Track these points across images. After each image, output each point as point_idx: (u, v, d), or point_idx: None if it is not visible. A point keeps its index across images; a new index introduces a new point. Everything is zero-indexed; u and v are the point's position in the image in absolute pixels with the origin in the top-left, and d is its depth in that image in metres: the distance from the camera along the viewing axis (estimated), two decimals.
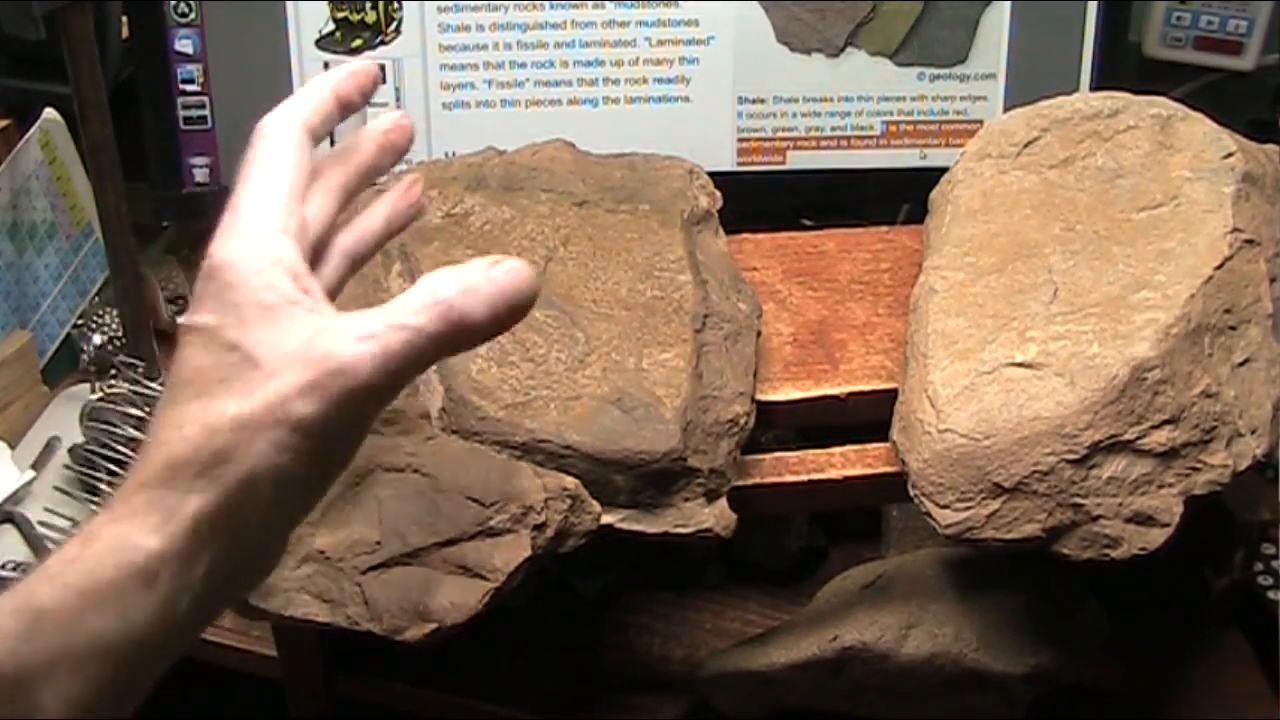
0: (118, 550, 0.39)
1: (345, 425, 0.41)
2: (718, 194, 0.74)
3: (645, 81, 0.86)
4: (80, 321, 0.97)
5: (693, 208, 0.71)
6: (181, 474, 0.39)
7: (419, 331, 0.40)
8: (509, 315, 0.41)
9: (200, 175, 0.86)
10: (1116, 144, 0.69)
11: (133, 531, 0.39)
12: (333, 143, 0.51)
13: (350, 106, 0.50)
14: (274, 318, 0.41)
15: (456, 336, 0.41)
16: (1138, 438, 0.57)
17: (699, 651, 0.74)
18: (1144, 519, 0.57)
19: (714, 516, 0.61)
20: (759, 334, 0.68)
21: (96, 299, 0.99)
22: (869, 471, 0.64)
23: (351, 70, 0.50)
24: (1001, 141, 0.72)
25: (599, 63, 0.86)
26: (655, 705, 0.72)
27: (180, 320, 0.44)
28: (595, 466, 0.59)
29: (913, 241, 0.77)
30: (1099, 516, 0.57)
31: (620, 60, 0.86)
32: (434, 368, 0.62)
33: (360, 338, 0.40)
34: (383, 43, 0.85)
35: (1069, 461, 0.57)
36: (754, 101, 0.87)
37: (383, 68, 0.84)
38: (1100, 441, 0.57)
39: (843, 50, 0.87)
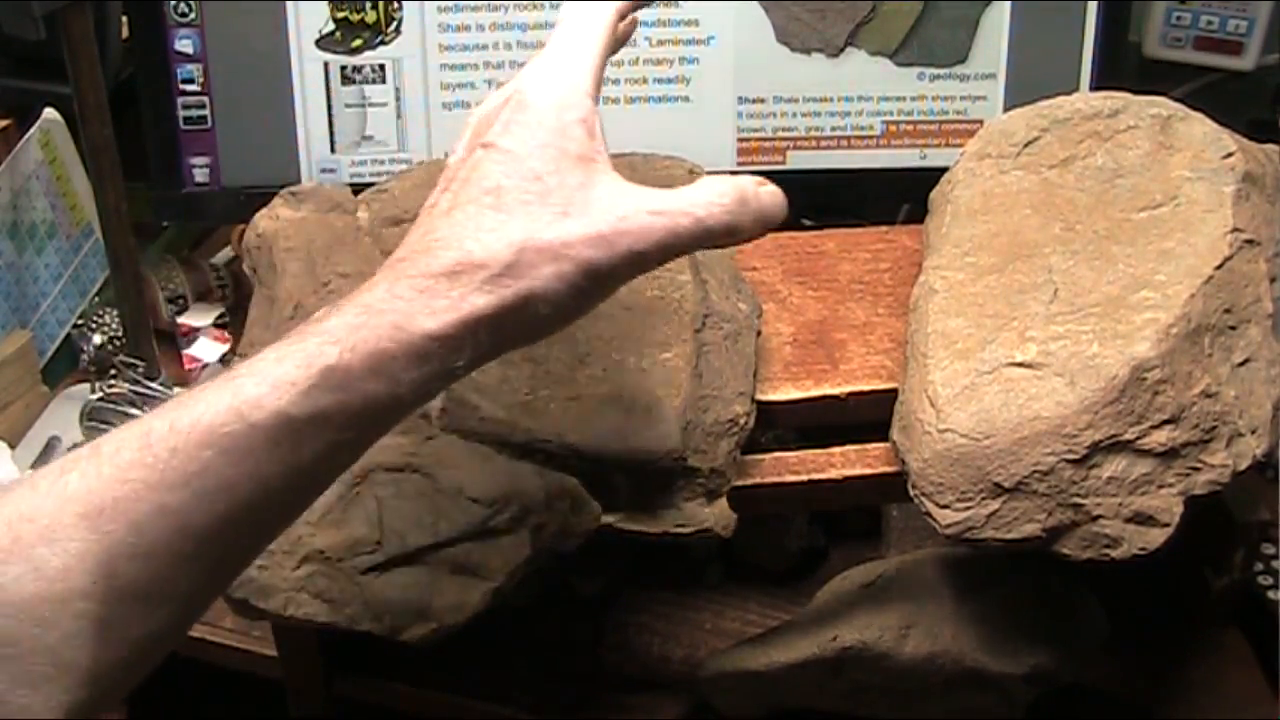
0: (399, 328, 0.43)
1: (613, 281, 0.46)
2: None
3: (645, 81, 0.86)
4: (80, 321, 0.97)
5: None
6: (473, 275, 0.44)
7: (700, 223, 0.46)
8: (765, 230, 0.48)
9: (200, 175, 0.86)
10: (1116, 144, 0.69)
11: (416, 312, 0.43)
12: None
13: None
14: (577, 165, 0.47)
15: (725, 236, 0.47)
16: (1138, 438, 0.57)
17: (699, 651, 0.74)
18: (1144, 519, 0.57)
19: (714, 516, 0.61)
20: (759, 334, 0.68)
21: (96, 299, 0.99)
22: (869, 471, 0.64)
23: None
24: (1001, 141, 0.72)
25: None
26: (655, 705, 0.72)
27: (481, 138, 0.48)
28: (595, 466, 0.59)
29: (913, 241, 0.77)
30: (1099, 516, 0.57)
31: (620, 60, 0.86)
32: None
33: (654, 211, 0.46)
34: (383, 43, 0.85)
35: (1069, 461, 0.57)
36: (754, 101, 0.87)
37: (382, 67, 0.85)
38: (1100, 441, 0.57)
39: (843, 50, 0.87)
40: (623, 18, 0.53)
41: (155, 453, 0.41)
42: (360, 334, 0.43)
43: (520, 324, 0.45)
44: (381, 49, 0.85)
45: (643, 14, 0.85)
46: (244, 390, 0.42)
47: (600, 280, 0.46)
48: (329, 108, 0.85)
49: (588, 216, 0.46)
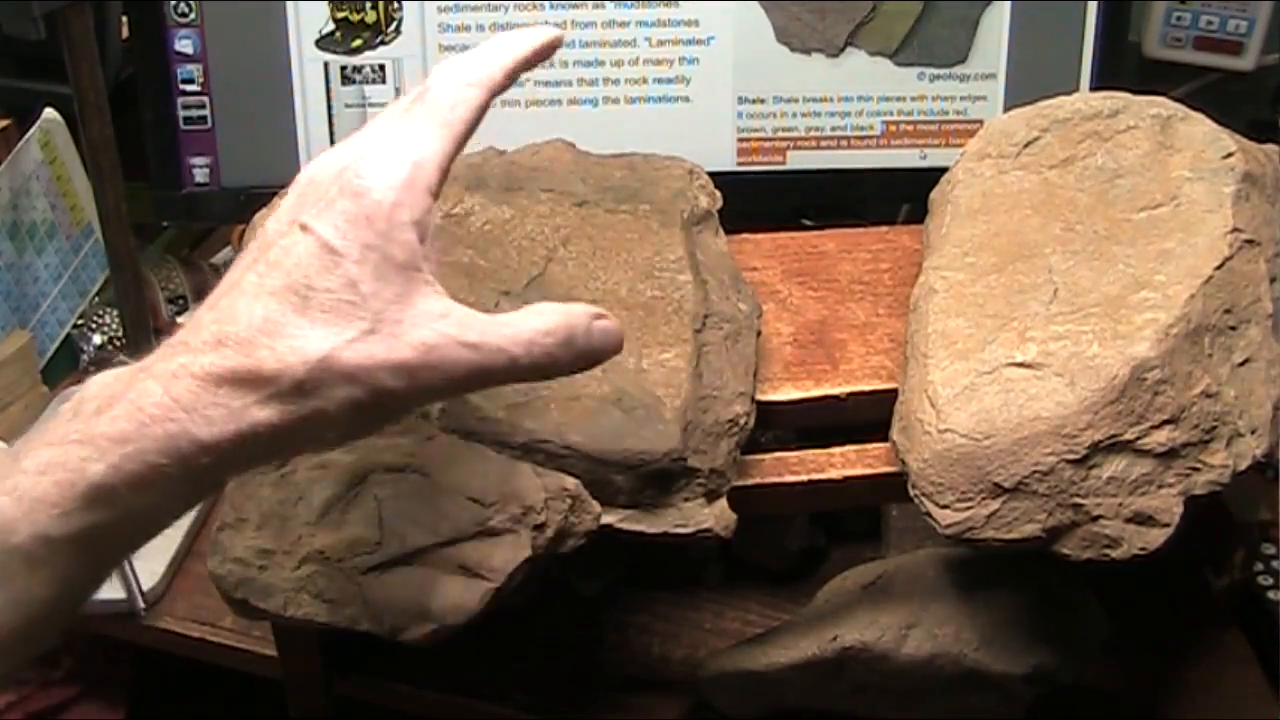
0: (172, 439, 0.40)
1: (409, 409, 0.44)
2: (718, 194, 0.74)
3: (645, 81, 0.86)
4: (80, 321, 0.97)
5: (693, 208, 0.71)
6: (260, 387, 0.41)
7: (515, 362, 0.43)
8: (588, 368, 0.46)
9: (200, 175, 0.86)
10: (1116, 144, 0.69)
11: (192, 423, 0.40)
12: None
13: (521, 73, 0.50)
14: (398, 276, 0.42)
15: (542, 376, 0.45)
16: (1138, 438, 0.57)
17: (699, 651, 0.74)
18: (1144, 519, 0.57)
19: (714, 516, 0.61)
20: (759, 334, 0.68)
21: (96, 299, 0.99)
22: (869, 471, 0.64)
23: (544, 39, 0.50)
24: (1001, 141, 0.72)
25: (599, 63, 0.86)
26: (655, 705, 0.72)
27: (304, 219, 0.43)
28: (595, 466, 0.59)
29: (913, 241, 0.77)
30: (1099, 516, 0.57)
31: (620, 60, 0.86)
32: None
33: (466, 344, 0.42)
34: (383, 43, 0.85)
35: (1069, 461, 0.57)
36: (754, 101, 0.87)
37: (382, 67, 0.85)
38: (1100, 441, 0.57)
39: (843, 50, 0.87)
40: (496, 93, 0.48)
41: None
42: (127, 449, 0.40)
43: (302, 440, 0.42)
44: (381, 49, 0.85)
45: (643, 14, 0.85)
46: (2, 512, 0.39)
47: (394, 409, 0.43)
48: (329, 108, 0.85)
49: (394, 339, 0.42)
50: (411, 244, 0.43)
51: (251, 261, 0.43)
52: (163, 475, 0.40)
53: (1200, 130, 0.68)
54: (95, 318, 0.96)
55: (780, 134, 0.88)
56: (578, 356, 0.45)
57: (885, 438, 0.64)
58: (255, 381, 0.40)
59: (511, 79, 0.49)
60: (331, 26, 0.84)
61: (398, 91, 0.85)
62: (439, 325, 0.42)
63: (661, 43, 0.86)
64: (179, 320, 0.97)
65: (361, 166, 0.43)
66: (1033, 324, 0.61)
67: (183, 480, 0.41)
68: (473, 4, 0.84)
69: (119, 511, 0.40)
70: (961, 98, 0.88)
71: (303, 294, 0.41)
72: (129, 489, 0.40)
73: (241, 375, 0.40)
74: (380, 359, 0.41)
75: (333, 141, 0.86)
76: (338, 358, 0.41)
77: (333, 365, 0.41)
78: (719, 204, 0.73)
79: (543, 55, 0.50)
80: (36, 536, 0.39)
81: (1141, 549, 0.57)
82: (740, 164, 0.88)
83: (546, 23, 0.84)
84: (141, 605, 0.75)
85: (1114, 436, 0.57)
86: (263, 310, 0.41)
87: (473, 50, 0.48)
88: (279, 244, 0.43)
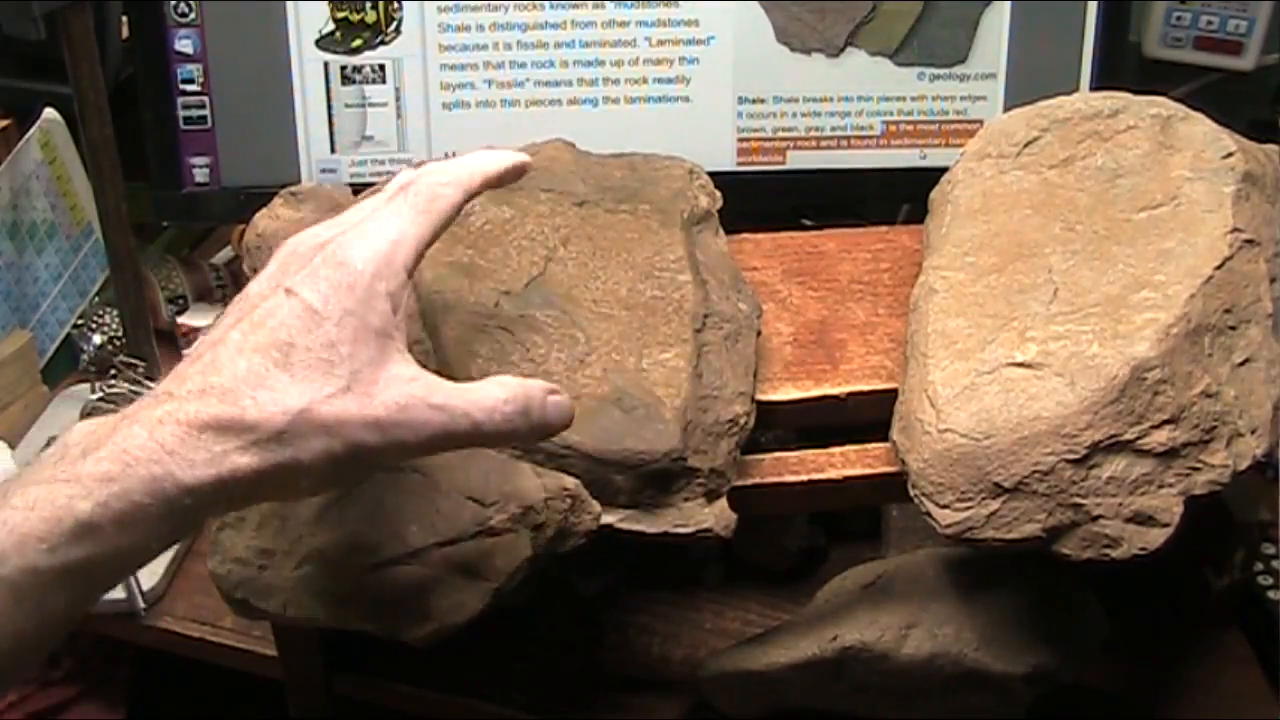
0: (155, 481, 0.42)
1: (378, 464, 0.46)
2: (718, 194, 0.74)
3: (645, 81, 0.86)
4: (80, 321, 0.97)
5: (693, 208, 0.71)
6: (241, 435, 0.43)
7: (477, 427, 0.47)
8: (543, 439, 0.51)
9: (200, 175, 0.86)
10: (1116, 144, 0.69)
11: (174, 466, 0.42)
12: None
13: (492, 188, 0.55)
14: (374, 340, 0.46)
15: (500, 441, 0.49)
16: (1138, 438, 0.57)
17: (699, 651, 0.74)
18: (1144, 519, 0.57)
19: (714, 516, 0.61)
20: (759, 334, 0.68)
21: (96, 299, 0.99)
22: (869, 471, 0.64)
23: (515, 162, 0.55)
24: (1001, 141, 0.72)
25: (599, 63, 0.86)
26: (655, 705, 0.72)
27: (287, 279, 0.47)
28: (595, 466, 0.59)
29: (913, 241, 0.77)
30: (1099, 516, 0.57)
31: (620, 60, 0.86)
32: (434, 368, 0.62)
33: (434, 405, 0.46)
34: (383, 43, 0.85)
35: (1069, 461, 0.57)
36: (754, 101, 0.87)
37: (382, 67, 0.85)
38: (1100, 441, 0.57)
39: (843, 50, 0.87)
40: (469, 198, 0.53)
41: None
42: (113, 488, 0.42)
43: (278, 487, 0.45)
44: (381, 49, 0.85)
45: (643, 14, 0.85)
46: None
47: (365, 462, 0.46)
48: (329, 108, 0.85)
49: (369, 398, 0.45)
50: (387, 313, 0.46)
51: (234, 321, 0.46)
52: (145, 514, 0.42)
53: (1200, 130, 0.68)
54: (95, 318, 0.96)
55: (780, 134, 0.88)
56: (533, 427, 0.49)
57: (885, 438, 0.64)
58: (237, 429, 0.43)
59: (485, 188, 0.54)
60: (331, 26, 0.84)
61: (398, 91, 0.85)
62: (409, 388, 0.46)
63: (661, 43, 0.86)
64: (179, 320, 0.97)
65: (345, 240, 0.48)
66: (1033, 324, 0.61)
67: (164, 520, 0.43)
68: (473, 4, 0.84)
69: (103, 548, 0.42)
70: (961, 98, 0.88)
71: (285, 350, 0.44)
72: (114, 526, 0.42)
73: (225, 422, 0.43)
74: (355, 414, 0.44)
75: (332, 142, 0.86)
76: (316, 411, 0.44)
77: (312, 417, 0.44)
78: (719, 204, 0.73)
79: (514, 176, 0.55)
80: (24, 569, 0.41)
81: (1141, 549, 0.57)
82: (740, 164, 0.88)
83: (546, 23, 0.85)
84: (141, 605, 0.75)
85: (1114, 436, 0.57)
86: (246, 363, 0.44)
87: (455, 159, 0.54)
88: (263, 306, 0.46)
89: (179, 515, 0.43)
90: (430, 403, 0.46)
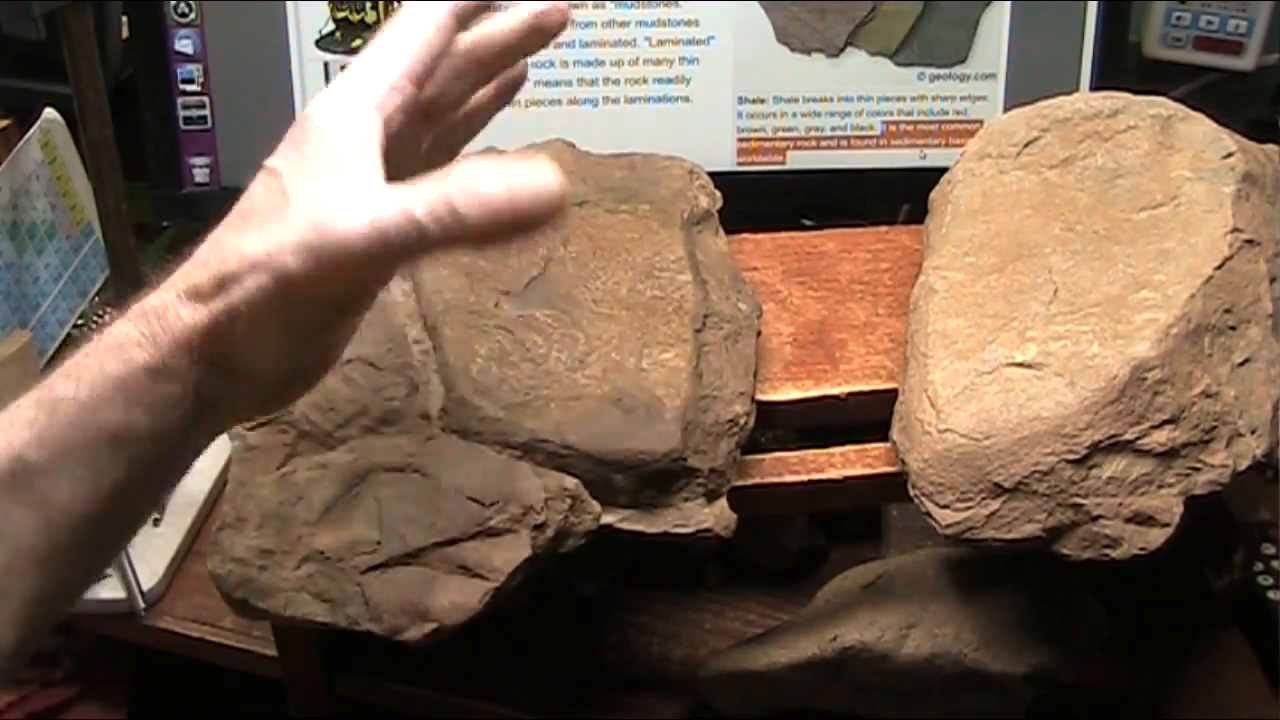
0: (120, 351, 0.42)
1: (330, 287, 0.42)
2: (718, 194, 0.74)
3: (645, 81, 0.86)
4: (80, 321, 0.97)
5: (693, 208, 0.71)
6: (187, 299, 0.43)
7: (416, 224, 0.40)
8: (514, 230, 0.40)
9: (200, 175, 0.86)
10: (1116, 144, 0.69)
11: (132, 342, 0.42)
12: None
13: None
14: (325, 178, 0.43)
15: (453, 238, 0.40)
16: (1138, 438, 0.57)
17: (699, 651, 0.74)
18: (1144, 519, 0.57)
19: (714, 516, 0.61)
20: (759, 334, 0.68)
21: (96, 299, 0.99)
22: (869, 471, 0.64)
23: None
24: (1001, 141, 0.72)
25: (599, 63, 0.86)
26: (655, 705, 0.72)
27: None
28: (595, 466, 0.59)
29: (913, 241, 0.77)
30: (1099, 516, 0.57)
31: (620, 60, 0.86)
32: (434, 368, 0.62)
33: (362, 210, 0.41)
34: None
35: (1069, 461, 0.57)
36: (754, 101, 0.87)
37: None
38: (1100, 441, 0.57)
39: (843, 50, 0.87)
40: (464, 20, 0.48)
41: None
42: (87, 362, 0.42)
43: (236, 339, 0.43)
44: None
45: (643, 14, 0.85)
46: None
47: (298, 292, 0.41)
48: None
49: (299, 223, 0.41)
50: (344, 154, 0.43)
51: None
52: (115, 391, 0.42)
53: (1200, 130, 0.68)
54: (95, 318, 0.96)
55: (780, 134, 0.88)
56: (488, 217, 0.39)
57: (885, 438, 0.64)
58: (186, 294, 0.43)
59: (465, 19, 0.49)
60: (331, 26, 0.84)
61: None
62: (336, 202, 0.41)
63: (661, 43, 0.86)
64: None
65: (311, 106, 0.45)
66: (1033, 324, 0.61)
67: (133, 401, 0.42)
68: None
69: (86, 431, 0.42)
70: (961, 98, 0.88)
71: (246, 215, 0.44)
72: (92, 403, 0.42)
73: (182, 292, 0.43)
74: (283, 243, 0.41)
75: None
76: (248, 250, 0.42)
77: (242, 257, 0.42)
78: (719, 204, 0.73)
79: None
80: (15, 458, 0.42)
81: (1141, 549, 0.57)
82: (740, 164, 0.88)
83: None
84: (141, 605, 0.75)
85: (1114, 436, 0.57)
86: (206, 244, 0.44)
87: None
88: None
89: (148, 392, 0.42)
90: (358, 207, 0.40)
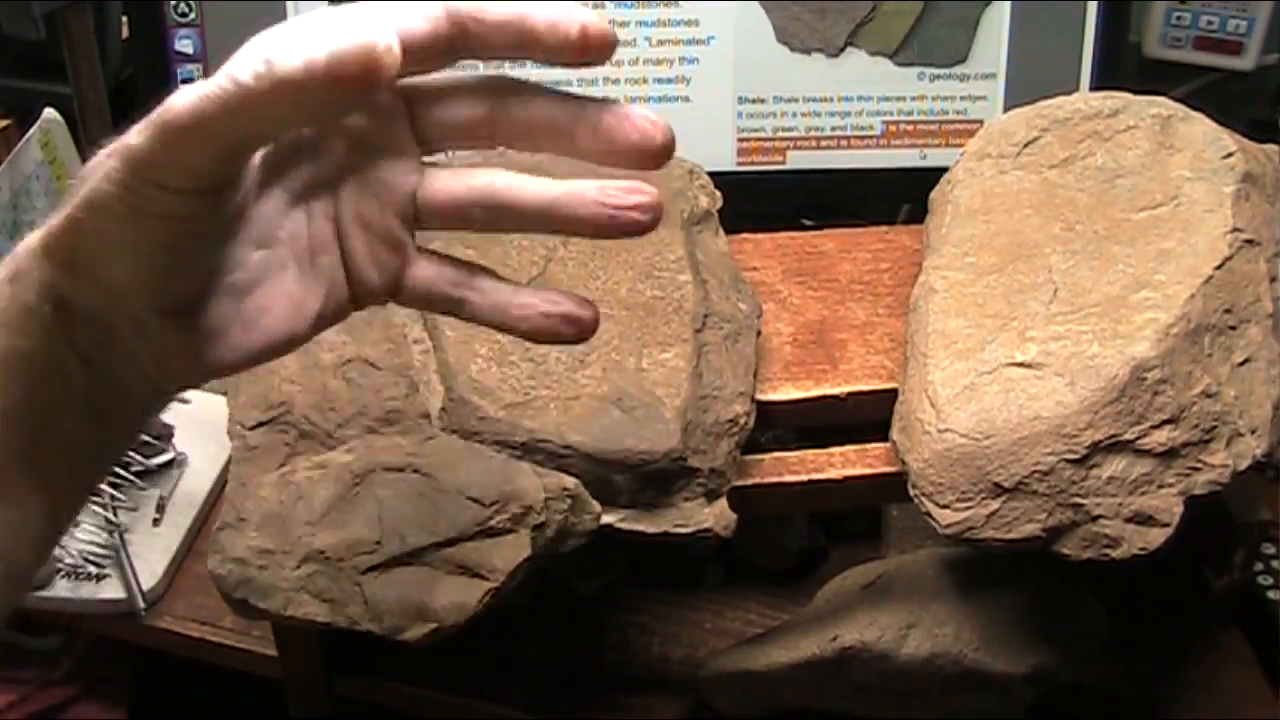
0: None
1: (171, 163, 0.41)
2: (718, 194, 0.74)
3: (645, 81, 0.86)
4: None
5: (693, 208, 0.71)
6: (57, 212, 0.43)
7: (233, 80, 0.38)
8: (331, 81, 0.37)
9: None
10: (1116, 144, 0.69)
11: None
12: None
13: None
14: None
15: (273, 92, 0.38)
16: (1138, 438, 0.57)
17: (699, 651, 0.74)
18: (1144, 519, 0.57)
19: (714, 516, 0.61)
20: (759, 334, 0.68)
21: None
22: (869, 471, 0.64)
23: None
24: (1001, 141, 0.72)
25: None
26: (655, 705, 0.72)
27: None
28: (595, 466, 0.59)
29: (913, 241, 0.77)
30: (1099, 516, 0.57)
31: (620, 60, 0.86)
32: (434, 368, 0.62)
33: (193, 89, 0.40)
34: None
35: (1069, 461, 0.57)
36: (754, 101, 0.87)
37: None
38: (1100, 441, 0.57)
39: (843, 50, 0.87)
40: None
41: None
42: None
43: (96, 240, 0.42)
44: None
45: (643, 14, 0.85)
46: None
47: (150, 168, 0.40)
48: None
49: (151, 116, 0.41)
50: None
51: None
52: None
53: (1200, 130, 0.68)
54: None
55: (780, 134, 0.88)
56: (303, 67, 0.37)
57: (885, 438, 0.64)
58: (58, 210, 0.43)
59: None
60: None
61: None
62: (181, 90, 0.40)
63: (661, 43, 0.86)
64: None
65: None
66: (1033, 324, 0.61)
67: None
68: None
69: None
70: (961, 98, 0.88)
71: None
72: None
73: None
74: (128, 131, 0.42)
75: None
76: (105, 149, 0.42)
77: (102, 154, 0.42)
78: (719, 204, 0.73)
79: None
80: None
81: (1141, 549, 0.57)
82: (740, 164, 0.88)
83: None
84: (141, 605, 0.75)
85: (1114, 436, 0.57)
86: None
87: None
88: None
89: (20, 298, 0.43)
90: (193, 89, 0.39)
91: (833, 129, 0.88)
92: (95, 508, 0.78)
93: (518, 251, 0.67)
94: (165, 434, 0.82)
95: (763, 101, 0.87)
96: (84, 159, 0.88)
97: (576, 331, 0.46)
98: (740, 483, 0.63)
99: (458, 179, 0.47)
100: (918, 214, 0.76)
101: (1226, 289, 0.61)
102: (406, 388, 0.62)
